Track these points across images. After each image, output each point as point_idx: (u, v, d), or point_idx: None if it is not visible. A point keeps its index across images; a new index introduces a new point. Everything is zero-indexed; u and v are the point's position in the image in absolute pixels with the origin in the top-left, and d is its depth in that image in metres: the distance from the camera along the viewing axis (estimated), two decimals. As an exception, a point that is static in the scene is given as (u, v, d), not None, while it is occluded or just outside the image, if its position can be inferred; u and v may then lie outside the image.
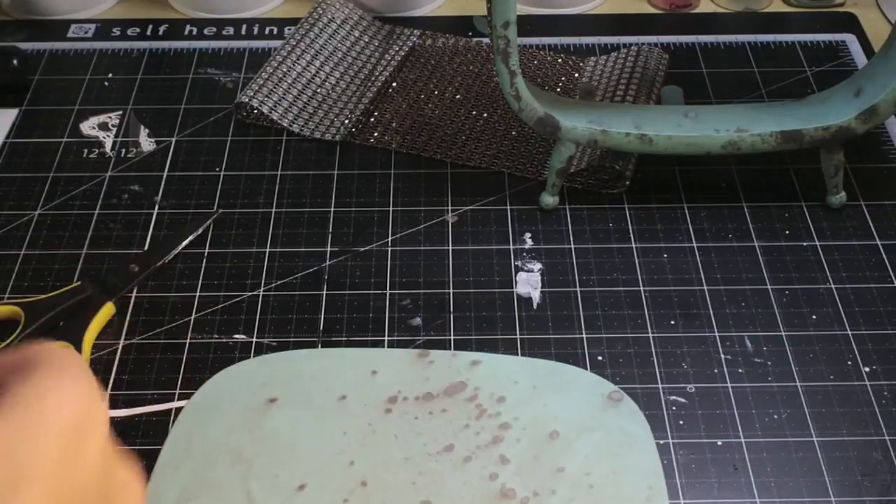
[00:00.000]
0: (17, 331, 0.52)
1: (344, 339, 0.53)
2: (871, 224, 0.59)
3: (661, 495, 0.44)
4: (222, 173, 0.62)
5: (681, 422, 0.49)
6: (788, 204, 0.60)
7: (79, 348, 0.51)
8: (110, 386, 0.50)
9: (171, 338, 0.53)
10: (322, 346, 0.52)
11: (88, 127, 0.66)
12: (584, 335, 0.53)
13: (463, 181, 0.62)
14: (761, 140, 0.56)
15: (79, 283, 0.54)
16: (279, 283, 0.56)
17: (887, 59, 0.55)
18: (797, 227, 0.59)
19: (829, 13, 0.76)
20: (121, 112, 0.67)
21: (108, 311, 0.53)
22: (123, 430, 0.48)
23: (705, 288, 0.55)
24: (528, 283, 0.56)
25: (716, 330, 0.53)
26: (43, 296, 0.54)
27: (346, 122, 0.65)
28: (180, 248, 0.57)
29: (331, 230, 0.59)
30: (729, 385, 0.50)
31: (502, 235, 0.58)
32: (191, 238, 0.58)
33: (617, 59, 0.69)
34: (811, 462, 0.47)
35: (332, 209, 0.60)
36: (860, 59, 0.71)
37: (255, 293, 0.55)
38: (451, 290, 0.55)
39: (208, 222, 0.59)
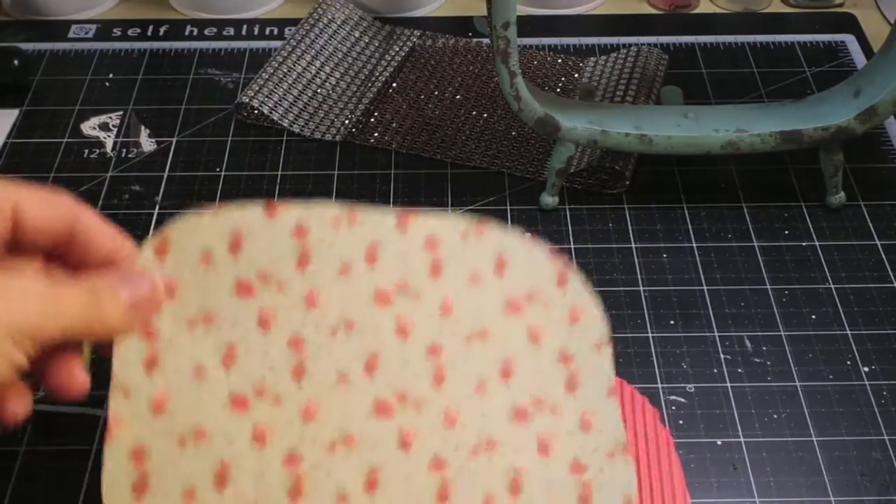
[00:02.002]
0: None
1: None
2: (870, 224, 0.59)
3: None
4: (223, 173, 0.63)
5: (680, 421, 0.49)
6: (788, 204, 0.60)
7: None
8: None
9: (172, 338, 0.53)
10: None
11: (89, 127, 0.66)
12: (584, 335, 0.53)
13: (463, 181, 0.62)
14: (761, 140, 0.56)
15: (79, 282, 0.54)
16: (279, 283, 0.56)
17: (886, 60, 0.55)
18: (797, 227, 0.59)
19: (828, 13, 0.76)
20: (121, 112, 0.67)
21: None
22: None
23: (705, 288, 0.55)
24: (528, 283, 0.56)
25: (715, 330, 0.53)
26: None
27: (347, 122, 0.65)
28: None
29: (331, 230, 0.59)
30: (728, 385, 0.51)
31: (502, 235, 0.58)
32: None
33: (616, 59, 0.69)
34: (810, 462, 0.47)
35: (333, 209, 0.60)
36: (859, 59, 0.71)
37: (255, 293, 0.55)
38: (451, 290, 0.55)
39: None
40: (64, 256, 0.40)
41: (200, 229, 0.43)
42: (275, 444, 0.40)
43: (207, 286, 0.42)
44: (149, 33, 0.74)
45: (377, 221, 0.44)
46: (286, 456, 0.40)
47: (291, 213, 0.44)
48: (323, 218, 0.44)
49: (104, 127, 0.66)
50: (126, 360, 0.40)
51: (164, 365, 0.40)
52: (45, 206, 0.39)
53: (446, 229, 0.45)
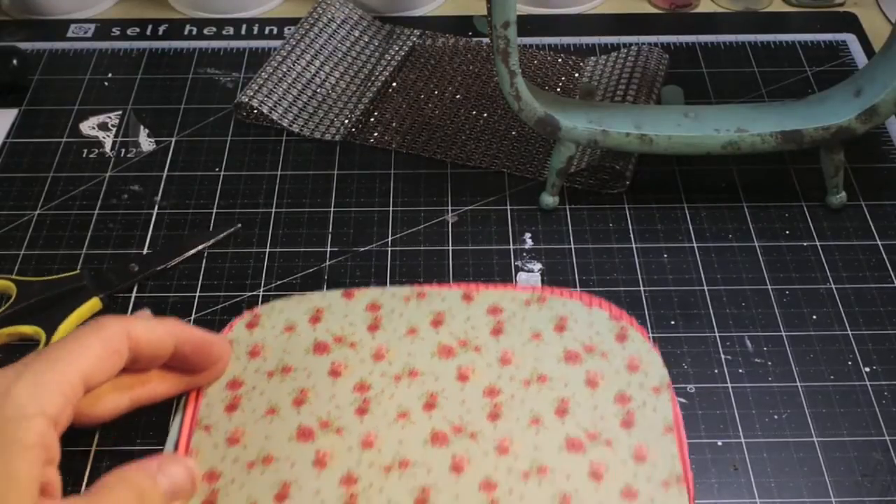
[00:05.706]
0: (6, 306, 0.52)
1: (344, 339, 0.53)
2: (871, 224, 0.59)
3: None
4: (222, 173, 0.62)
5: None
6: (788, 204, 0.60)
7: (49, 337, 0.51)
8: (110, 386, 0.50)
9: (171, 338, 0.53)
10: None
11: (88, 127, 0.66)
12: (585, 335, 0.53)
13: (463, 181, 0.62)
14: (761, 140, 0.56)
15: (77, 272, 0.55)
16: (279, 283, 0.56)
17: (887, 59, 0.55)
18: (797, 227, 0.59)
19: (829, 13, 0.76)
20: (120, 112, 0.67)
21: (92, 305, 0.53)
22: (125, 430, 0.48)
23: (705, 288, 0.55)
24: (528, 283, 0.56)
25: (716, 330, 0.53)
26: (41, 277, 0.54)
27: (346, 122, 0.65)
28: (186, 255, 0.57)
29: (331, 230, 0.59)
30: (729, 385, 0.50)
31: (502, 235, 0.58)
32: (199, 248, 0.57)
33: (617, 58, 0.69)
34: (811, 462, 0.47)
35: (332, 209, 0.60)
36: (860, 58, 0.71)
37: (255, 293, 0.55)
38: (451, 291, 0.55)
39: (220, 235, 0.58)
40: (174, 364, 0.45)
41: (287, 308, 0.50)
42: (334, 468, 0.44)
43: (288, 347, 0.48)
44: (148, 33, 0.74)
45: (444, 296, 0.50)
46: (343, 477, 0.43)
47: (367, 293, 0.50)
48: (395, 296, 0.50)
49: (103, 127, 0.66)
50: (211, 405, 0.46)
51: (243, 406, 0.46)
52: (154, 333, 0.43)
53: (509, 299, 0.50)
